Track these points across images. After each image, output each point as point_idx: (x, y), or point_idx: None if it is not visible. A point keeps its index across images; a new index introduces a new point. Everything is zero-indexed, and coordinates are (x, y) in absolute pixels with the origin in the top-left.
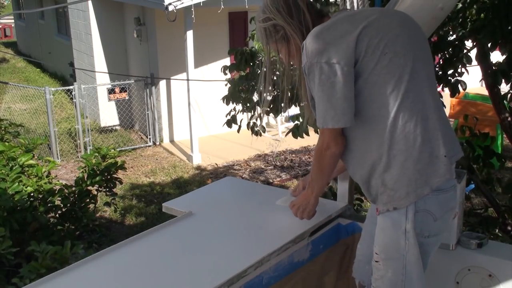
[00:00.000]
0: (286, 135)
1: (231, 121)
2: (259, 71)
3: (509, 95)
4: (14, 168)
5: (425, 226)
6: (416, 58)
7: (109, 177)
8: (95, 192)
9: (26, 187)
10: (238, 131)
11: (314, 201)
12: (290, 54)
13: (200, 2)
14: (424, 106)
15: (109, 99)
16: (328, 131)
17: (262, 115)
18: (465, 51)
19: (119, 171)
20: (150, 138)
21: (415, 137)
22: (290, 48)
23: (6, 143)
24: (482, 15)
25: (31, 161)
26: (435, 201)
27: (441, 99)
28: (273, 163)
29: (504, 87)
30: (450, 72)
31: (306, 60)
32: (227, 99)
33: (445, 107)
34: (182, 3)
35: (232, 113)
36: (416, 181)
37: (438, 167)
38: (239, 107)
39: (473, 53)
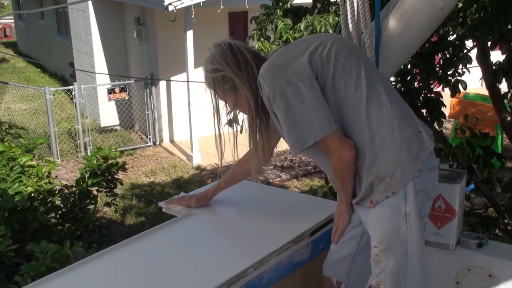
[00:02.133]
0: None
1: (232, 121)
2: None
3: (509, 94)
4: (14, 168)
5: (423, 207)
6: (362, 57)
7: (110, 177)
8: (96, 193)
9: (26, 188)
10: (241, 131)
11: (346, 208)
12: (237, 103)
13: (200, 2)
14: (386, 94)
15: (109, 99)
16: (330, 143)
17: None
18: (465, 51)
19: (120, 171)
20: (150, 138)
21: (391, 121)
22: (237, 97)
23: (6, 144)
24: (481, 13)
25: (31, 162)
26: (430, 180)
27: (441, 99)
28: (273, 163)
29: (504, 87)
30: (450, 72)
31: (267, 91)
32: None
33: (445, 107)
34: (182, 3)
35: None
36: (407, 160)
37: (421, 142)
38: None
39: (473, 53)
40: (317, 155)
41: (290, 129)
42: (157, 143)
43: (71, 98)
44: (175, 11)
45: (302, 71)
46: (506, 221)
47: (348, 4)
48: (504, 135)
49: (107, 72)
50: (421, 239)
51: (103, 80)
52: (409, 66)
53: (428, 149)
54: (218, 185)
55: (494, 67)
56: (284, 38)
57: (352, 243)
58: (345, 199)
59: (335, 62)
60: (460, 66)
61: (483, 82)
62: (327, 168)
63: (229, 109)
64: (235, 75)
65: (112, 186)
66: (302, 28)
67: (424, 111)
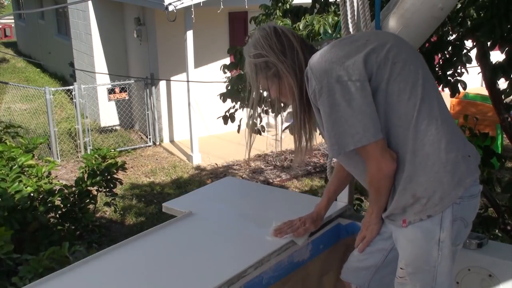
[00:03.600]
0: (283, 130)
1: (227, 118)
2: None
3: (507, 90)
4: (13, 168)
5: (459, 234)
6: (421, 65)
7: (109, 177)
8: (95, 193)
9: (26, 187)
10: (238, 131)
11: (376, 220)
12: (281, 92)
13: (200, 2)
14: (439, 109)
15: (109, 99)
16: (371, 152)
17: (261, 115)
18: (465, 51)
19: (119, 171)
20: (150, 138)
21: (439, 140)
22: (281, 86)
23: (5, 144)
24: (481, 14)
25: (30, 162)
26: (471, 208)
27: None
28: (273, 163)
29: (504, 87)
30: (450, 72)
31: (314, 85)
32: (224, 96)
33: None
34: (182, 3)
35: (231, 110)
36: (448, 184)
37: (467, 167)
38: (238, 105)
39: (473, 53)
40: (352, 160)
41: (331, 130)
42: (157, 143)
43: (71, 98)
44: (175, 11)
45: (355, 71)
46: (506, 221)
47: (348, 4)
48: (504, 135)
49: (107, 72)
50: (452, 267)
51: (103, 80)
52: None
53: (474, 175)
54: (328, 197)
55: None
56: None
57: (379, 256)
58: (376, 210)
59: (392, 66)
60: (459, 66)
61: (483, 82)
62: (360, 175)
63: (271, 98)
64: (280, 61)
65: (112, 186)
66: (301, 28)
67: None
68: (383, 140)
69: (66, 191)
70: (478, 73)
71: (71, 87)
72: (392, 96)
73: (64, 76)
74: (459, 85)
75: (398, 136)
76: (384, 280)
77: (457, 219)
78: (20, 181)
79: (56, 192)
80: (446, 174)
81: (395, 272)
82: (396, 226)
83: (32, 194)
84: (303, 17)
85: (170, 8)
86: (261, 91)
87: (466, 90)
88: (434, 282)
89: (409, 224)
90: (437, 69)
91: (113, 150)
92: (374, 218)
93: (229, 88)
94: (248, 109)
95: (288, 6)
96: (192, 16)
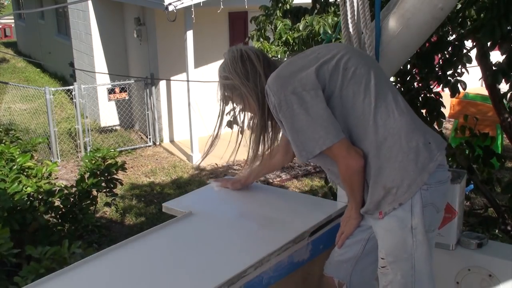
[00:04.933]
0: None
1: (232, 122)
2: None
3: (508, 94)
4: (13, 168)
5: (432, 220)
6: (373, 65)
7: (109, 177)
8: (95, 193)
9: (26, 188)
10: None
11: (355, 215)
12: (246, 110)
13: (200, 2)
14: (395, 103)
15: (109, 99)
16: (337, 152)
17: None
18: (465, 51)
19: (119, 171)
20: (150, 138)
21: (398, 131)
22: (245, 105)
23: (4, 144)
24: (481, 14)
25: (29, 163)
26: (439, 193)
27: (440, 99)
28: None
29: (504, 87)
30: (449, 72)
31: (273, 100)
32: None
33: (445, 107)
34: (182, 3)
35: (232, 113)
36: (413, 171)
37: (429, 153)
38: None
39: (473, 53)
40: (326, 162)
41: (296, 138)
42: (157, 143)
43: (71, 98)
44: (175, 11)
45: (308, 81)
46: (506, 221)
47: (348, 4)
48: (504, 135)
49: (107, 72)
50: (430, 253)
51: (103, 80)
52: (408, 66)
53: (437, 160)
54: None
55: (493, 68)
56: (284, 38)
57: (357, 247)
58: (354, 206)
59: (344, 72)
60: (459, 66)
61: (483, 82)
62: (336, 175)
63: (237, 113)
64: (243, 84)
65: (112, 186)
66: (301, 29)
67: (423, 111)
68: (345, 139)
69: (66, 191)
70: (480, 79)
71: (71, 87)
72: (347, 99)
73: (64, 76)
74: (459, 85)
75: (360, 134)
76: (365, 272)
77: (427, 205)
78: (20, 181)
79: (56, 192)
80: (409, 162)
81: (374, 263)
82: (374, 219)
83: (32, 194)
84: (303, 18)
85: (170, 8)
86: (234, 105)
87: (466, 90)
88: (413, 269)
89: (385, 215)
90: (437, 69)
91: (113, 151)
92: (354, 214)
93: None
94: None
95: (288, 7)
96: (192, 16)
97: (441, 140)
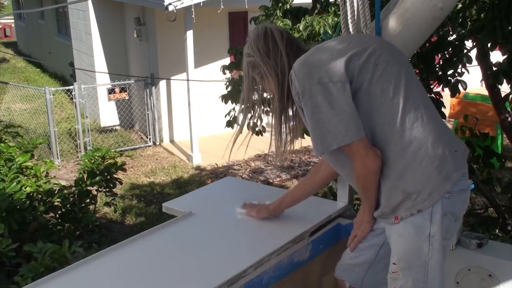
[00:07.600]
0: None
1: (232, 122)
2: None
3: (510, 96)
4: (12, 168)
5: (450, 229)
6: (404, 64)
7: (109, 177)
8: (95, 193)
9: (25, 188)
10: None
11: (368, 219)
12: (266, 90)
13: (200, 2)
14: (424, 107)
15: (109, 99)
16: (355, 150)
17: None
18: (465, 51)
19: (119, 171)
20: (150, 138)
21: (426, 136)
22: (264, 85)
23: (3, 144)
24: (482, 15)
25: (28, 163)
26: (460, 201)
27: (441, 99)
28: (273, 163)
29: (504, 88)
30: (450, 72)
31: (297, 87)
32: (226, 98)
33: (445, 107)
34: (182, 3)
35: (232, 113)
36: (437, 179)
37: (454, 162)
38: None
39: (473, 53)
40: (339, 160)
41: (315, 130)
42: (157, 143)
43: (71, 98)
44: (175, 11)
45: (336, 73)
46: (506, 221)
47: (348, 4)
48: (504, 135)
49: (107, 72)
50: (443, 262)
51: (103, 80)
52: None
53: (461, 170)
54: (289, 201)
55: (494, 68)
56: None
57: (370, 252)
58: (368, 209)
59: (374, 68)
60: (460, 66)
61: (483, 83)
62: (347, 174)
63: (258, 95)
64: (263, 62)
65: (112, 186)
66: (301, 29)
67: None
68: (366, 137)
69: (66, 191)
70: (481, 80)
71: (71, 87)
72: (375, 97)
73: (64, 76)
74: (459, 85)
75: (384, 134)
76: (377, 277)
77: (447, 213)
78: (19, 181)
79: (56, 192)
80: (434, 169)
81: (387, 268)
82: (389, 223)
83: (32, 194)
84: (303, 18)
85: (170, 8)
86: (255, 87)
87: (466, 90)
88: (425, 277)
89: (401, 220)
90: (437, 69)
91: (113, 151)
92: (367, 217)
93: (229, 89)
94: (240, 105)
95: (288, 7)
96: (192, 16)
97: (465, 148)
